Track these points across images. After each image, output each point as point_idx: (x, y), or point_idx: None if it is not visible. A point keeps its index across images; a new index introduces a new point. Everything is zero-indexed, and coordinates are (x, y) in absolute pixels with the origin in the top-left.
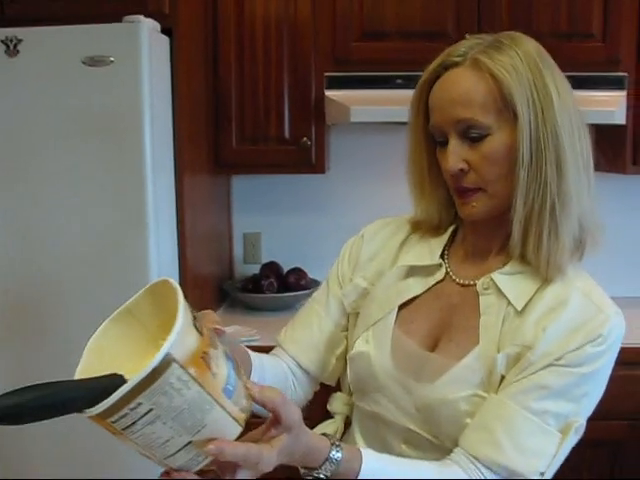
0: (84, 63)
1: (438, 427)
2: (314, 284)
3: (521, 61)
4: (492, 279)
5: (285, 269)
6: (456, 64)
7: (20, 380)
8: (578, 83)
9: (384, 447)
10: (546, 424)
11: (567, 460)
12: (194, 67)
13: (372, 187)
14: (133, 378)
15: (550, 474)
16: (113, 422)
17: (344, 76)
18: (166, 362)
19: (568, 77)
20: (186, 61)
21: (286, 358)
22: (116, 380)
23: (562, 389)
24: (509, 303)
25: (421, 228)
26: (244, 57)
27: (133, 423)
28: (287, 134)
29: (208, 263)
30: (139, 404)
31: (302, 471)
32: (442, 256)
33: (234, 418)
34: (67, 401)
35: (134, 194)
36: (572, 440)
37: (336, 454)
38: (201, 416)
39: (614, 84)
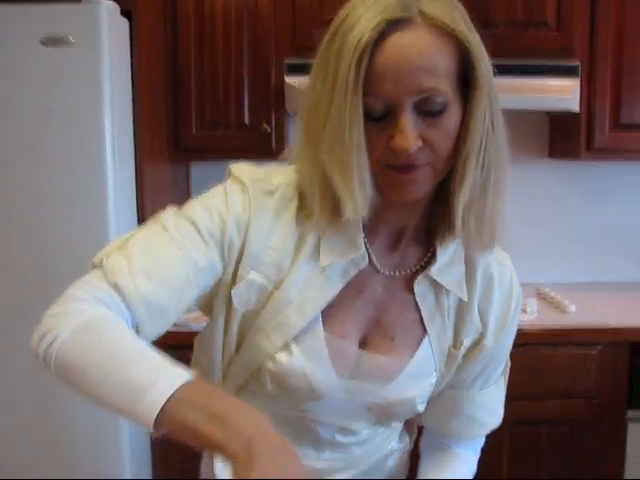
0: (42, 43)
1: (388, 419)
2: None
3: (472, 27)
4: (429, 276)
5: None
6: (406, 20)
7: None
8: (533, 71)
9: (312, 437)
10: (504, 380)
11: (527, 439)
12: (154, 51)
13: None
14: None
15: None
16: None
17: (304, 63)
18: None
19: (524, 65)
20: (146, 45)
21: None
22: None
23: (507, 349)
24: (448, 292)
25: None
26: (204, 43)
27: None
28: (247, 120)
29: None
30: None
31: None
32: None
33: None
34: None
35: (95, 181)
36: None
37: None
38: None
39: (568, 72)
